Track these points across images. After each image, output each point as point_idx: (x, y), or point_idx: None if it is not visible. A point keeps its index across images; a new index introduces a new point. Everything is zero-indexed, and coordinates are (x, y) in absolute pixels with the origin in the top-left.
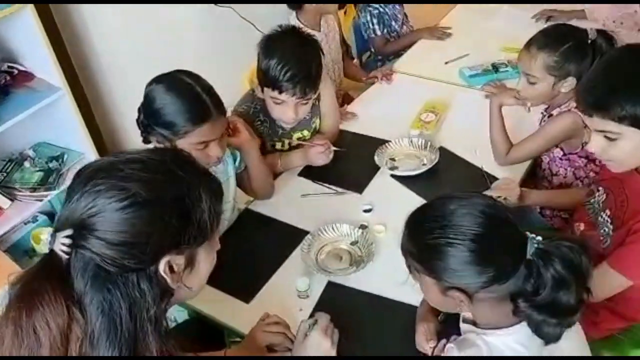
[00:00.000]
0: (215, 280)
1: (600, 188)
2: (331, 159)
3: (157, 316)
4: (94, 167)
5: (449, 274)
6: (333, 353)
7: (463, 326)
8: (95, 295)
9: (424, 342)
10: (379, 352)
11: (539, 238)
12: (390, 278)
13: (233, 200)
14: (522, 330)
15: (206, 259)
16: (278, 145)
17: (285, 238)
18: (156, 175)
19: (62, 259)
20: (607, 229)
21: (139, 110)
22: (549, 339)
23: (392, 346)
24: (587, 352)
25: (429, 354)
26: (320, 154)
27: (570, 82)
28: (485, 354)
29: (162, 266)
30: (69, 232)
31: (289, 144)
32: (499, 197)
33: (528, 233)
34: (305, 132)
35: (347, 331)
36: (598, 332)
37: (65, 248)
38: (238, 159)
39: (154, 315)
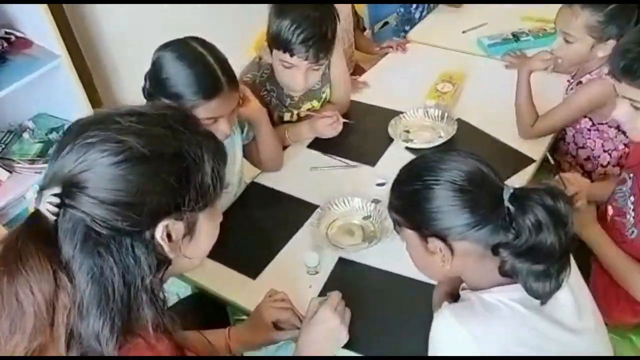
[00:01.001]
0: (220, 254)
1: (631, 174)
2: (339, 131)
3: (153, 287)
4: (87, 120)
5: (426, 217)
6: (343, 332)
7: (462, 293)
8: (85, 260)
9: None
10: (392, 332)
11: (515, 186)
12: (405, 254)
13: (240, 172)
14: (515, 288)
15: (208, 228)
16: (286, 117)
17: (294, 212)
18: (155, 128)
19: (48, 220)
20: (631, 218)
21: (145, 77)
22: (540, 295)
23: (406, 326)
24: (594, 309)
25: None
26: (328, 126)
27: (609, 46)
28: (477, 307)
29: (159, 231)
30: (56, 189)
31: (298, 114)
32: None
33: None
34: (315, 103)
35: (359, 310)
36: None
37: (52, 208)
38: (246, 129)
39: (149, 285)
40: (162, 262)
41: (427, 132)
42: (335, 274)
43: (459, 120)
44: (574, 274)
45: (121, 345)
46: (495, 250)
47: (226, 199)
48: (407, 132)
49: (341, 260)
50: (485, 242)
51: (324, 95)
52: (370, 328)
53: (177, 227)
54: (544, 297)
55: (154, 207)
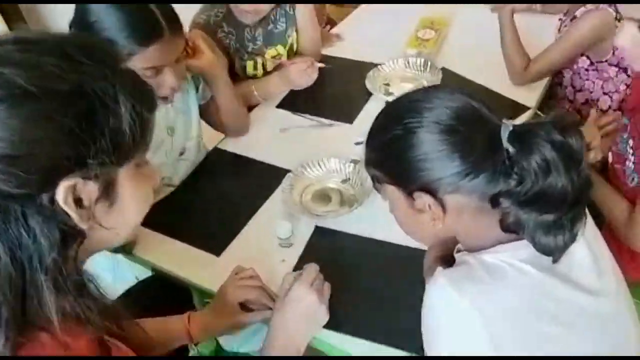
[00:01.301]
0: (179, 231)
1: (630, 117)
2: (314, 78)
3: (61, 267)
4: None
5: (410, 168)
6: (321, 310)
7: (457, 256)
8: None
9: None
10: (379, 307)
11: (515, 122)
12: (391, 217)
13: (197, 137)
14: (521, 246)
15: (133, 190)
16: (250, 68)
17: (263, 179)
18: (47, 58)
19: None
20: (631, 164)
21: (70, 26)
22: (551, 251)
23: (396, 300)
24: (614, 266)
25: None
26: (301, 72)
27: None
28: (478, 271)
29: (60, 194)
30: None
31: (263, 65)
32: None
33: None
34: (280, 48)
35: (340, 284)
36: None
37: None
38: (201, 86)
39: (52, 265)
40: (71, 236)
41: (409, 83)
42: (312, 245)
43: (444, 70)
44: (589, 225)
45: (19, 345)
46: (494, 201)
47: (183, 168)
48: (387, 85)
49: (318, 230)
50: (482, 192)
51: (290, 40)
52: (354, 304)
53: (88, 188)
54: (556, 253)
55: (48, 162)
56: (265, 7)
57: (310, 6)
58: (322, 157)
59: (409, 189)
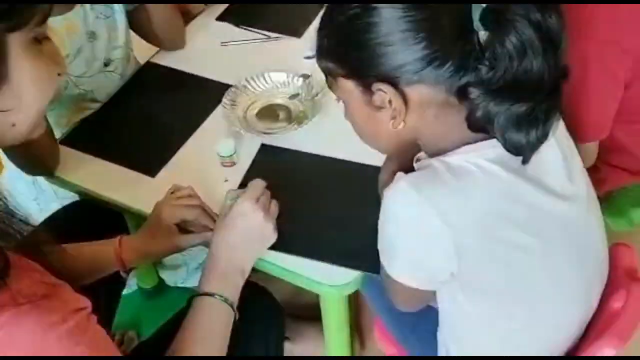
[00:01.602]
0: (108, 151)
1: None
2: None
3: None
4: None
5: (368, 55)
6: (268, 227)
7: (416, 166)
8: None
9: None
10: (331, 226)
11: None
12: (344, 133)
13: (125, 47)
14: (490, 145)
15: (30, 68)
16: None
17: (202, 95)
18: None
19: None
20: None
21: None
22: (522, 148)
23: (349, 218)
24: (582, 169)
25: None
26: None
27: None
28: (442, 174)
29: None
30: None
31: None
32: None
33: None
34: None
35: (289, 204)
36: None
37: None
38: None
39: None
40: None
41: None
42: (257, 163)
43: None
44: (560, 124)
45: None
46: (462, 92)
47: (110, 82)
48: None
49: (264, 148)
50: (450, 83)
51: None
52: (302, 224)
53: None
54: (527, 152)
55: None
56: None
57: None
58: (267, 72)
59: (367, 80)
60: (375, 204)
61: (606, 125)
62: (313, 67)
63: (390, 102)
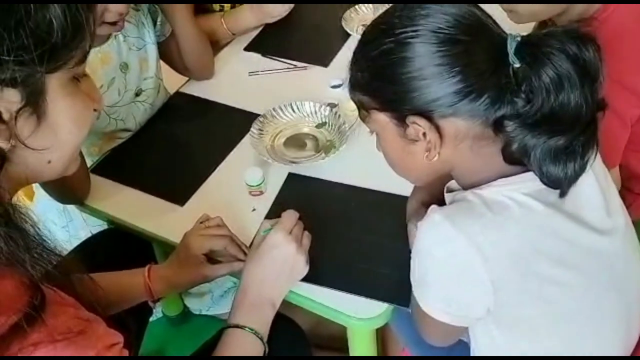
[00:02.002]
0: (138, 179)
1: None
2: (291, 6)
3: None
4: None
5: (403, 89)
6: (301, 260)
7: (447, 196)
8: None
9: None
10: (362, 258)
11: (523, 33)
12: (372, 163)
13: (155, 77)
14: (527, 178)
15: (67, 106)
16: (216, 6)
17: (231, 124)
18: None
19: None
20: None
21: None
22: (559, 181)
23: (380, 249)
24: (621, 202)
25: None
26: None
27: None
28: (477, 207)
29: None
30: None
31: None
32: None
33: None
34: None
35: (315, 233)
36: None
37: None
38: (159, 20)
39: None
40: None
41: None
42: (285, 192)
43: None
44: (597, 158)
45: None
46: (498, 125)
47: (141, 111)
48: (365, 26)
49: (291, 177)
50: (485, 116)
51: None
52: (331, 254)
53: (7, 95)
54: (565, 185)
55: None
56: None
57: None
58: (294, 100)
59: (401, 114)
60: (404, 235)
61: (615, 158)
62: (339, 97)
63: (424, 134)
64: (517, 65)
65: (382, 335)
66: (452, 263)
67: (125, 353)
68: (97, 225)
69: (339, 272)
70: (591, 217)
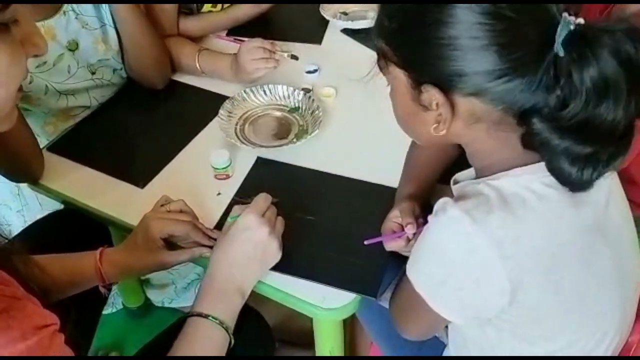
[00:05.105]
0: (96, 159)
1: None
2: (271, 68)
3: None
4: None
5: (431, 53)
6: (273, 244)
7: (456, 187)
8: None
9: (392, 224)
10: (327, 246)
11: (580, 20)
12: (341, 150)
13: (114, 59)
14: (545, 167)
15: None
16: (207, 6)
17: (199, 105)
18: None
19: None
20: None
21: None
22: (570, 182)
23: (348, 237)
24: (628, 214)
25: (398, 239)
26: (255, 61)
27: None
28: (496, 204)
29: None
30: None
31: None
32: None
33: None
34: None
35: (286, 219)
36: None
37: None
38: None
39: None
40: None
41: (368, 9)
42: (252, 177)
43: None
44: None
45: None
46: (524, 118)
47: (98, 89)
48: (345, 13)
49: (260, 161)
50: (511, 103)
51: None
52: (299, 242)
53: None
54: (577, 186)
55: None
56: None
57: None
58: (268, 84)
59: (420, 78)
60: (374, 222)
61: None
62: (314, 82)
63: (437, 105)
64: (561, 54)
65: (350, 330)
66: (471, 261)
67: (59, 337)
68: (54, 210)
69: (305, 260)
70: (600, 205)
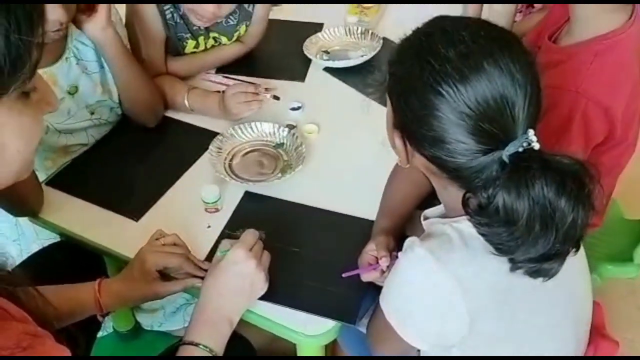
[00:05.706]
0: (92, 193)
1: None
2: (255, 109)
3: None
4: None
5: (412, 115)
6: (260, 277)
7: (425, 223)
8: None
9: (368, 257)
10: (309, 276)
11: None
12: (324, 185)
13: (111, 100)
14: None
15: (15, 124)
16: (190, 45)
17: (189, 141)
18: None
19: None
20: None
21: None
22: (507, 252)
23: (329, 267)
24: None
25: (373, 271)
26: (240, 104)
27: None
28: (457, 244)
29: None
30: None
31: (206, 43)
32: None
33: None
34: (224, 39)
35: (270, 250)
36: None
37: None
38: None
39: None
40: None
41: (348, 50)
42: (241, 210)
43: (385, 40)
44: None
45: None
46: (464, 195)
47: (95, 127)
48: (326, 52)
49: (248, 195)
50: (457, 177)
51: (236, 35)
52: (283, 272)
53: None
54: (516, 263)
55: None
56: (224, 12)
57: (268, 6)
58: (254, 121)
59: (396, 121)
60: (354, 254)
61: None
62: (298, 118)
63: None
64: (506, 160)
65: (332, 350)
66: (434, 294)
67: None
68: (49, 239)
69: (289, 290)
70: None
